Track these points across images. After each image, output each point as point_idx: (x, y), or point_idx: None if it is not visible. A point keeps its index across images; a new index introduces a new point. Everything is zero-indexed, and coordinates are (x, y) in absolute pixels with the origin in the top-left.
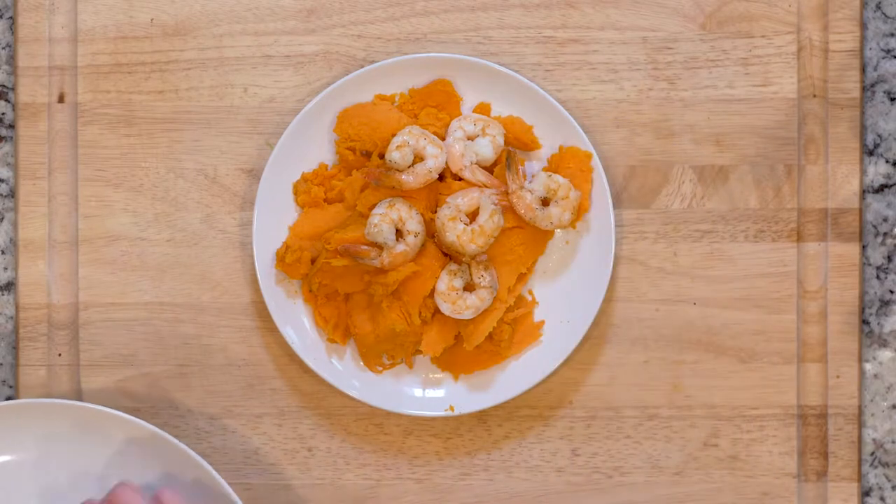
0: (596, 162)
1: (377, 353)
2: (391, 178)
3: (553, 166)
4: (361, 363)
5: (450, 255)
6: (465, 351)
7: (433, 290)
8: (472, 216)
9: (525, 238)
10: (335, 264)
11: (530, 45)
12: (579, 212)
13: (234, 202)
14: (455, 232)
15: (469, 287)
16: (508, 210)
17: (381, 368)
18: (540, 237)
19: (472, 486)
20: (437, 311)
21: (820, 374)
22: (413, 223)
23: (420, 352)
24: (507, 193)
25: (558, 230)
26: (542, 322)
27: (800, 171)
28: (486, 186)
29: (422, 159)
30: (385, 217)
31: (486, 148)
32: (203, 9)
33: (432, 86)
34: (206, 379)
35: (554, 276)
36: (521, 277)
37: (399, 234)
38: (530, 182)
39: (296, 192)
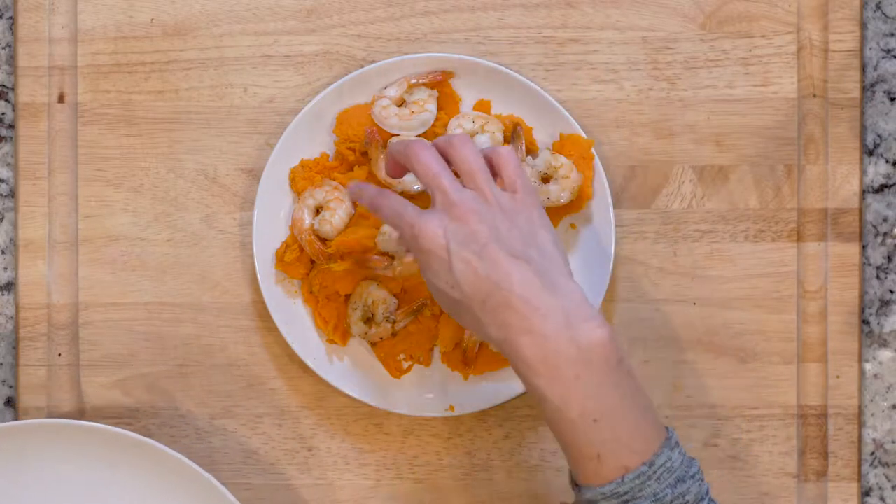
0: (596, 163)
1: (395, 354)
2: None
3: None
4: (361, 363)
5: None
6: (476, 351)
7: None
8: None
9: None
10: (336, 269)
11: (530, 45)
12: (581, 198)
13: (234, 202)
14: None
15: None
16: None
17: (400, 373)
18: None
19: (472, 486)
20: None
21: (820, 374)
22: None
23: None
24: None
25: (560, 232)
26: None
27: (800, 171)
28: None
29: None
30: None
31: (486, 144)
32: (203, 9)
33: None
34: (206, 379)
35: None
36: None
37: None
38: (534, 158)
39: (293, 179)
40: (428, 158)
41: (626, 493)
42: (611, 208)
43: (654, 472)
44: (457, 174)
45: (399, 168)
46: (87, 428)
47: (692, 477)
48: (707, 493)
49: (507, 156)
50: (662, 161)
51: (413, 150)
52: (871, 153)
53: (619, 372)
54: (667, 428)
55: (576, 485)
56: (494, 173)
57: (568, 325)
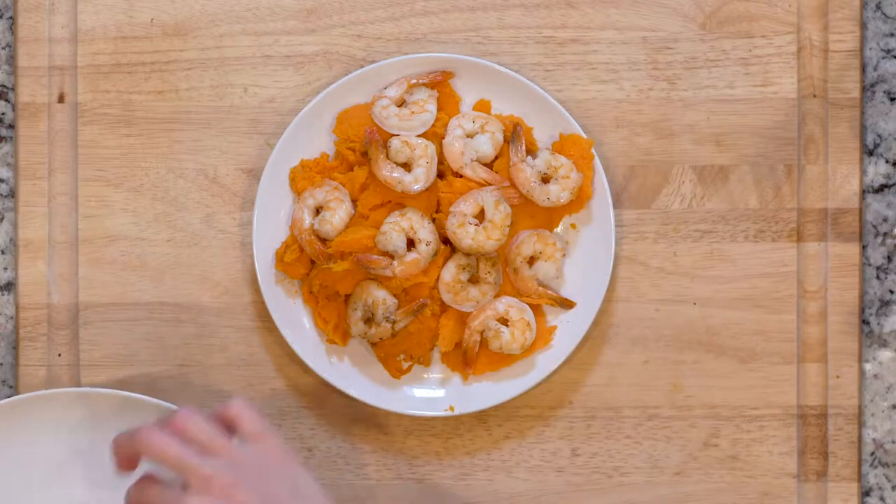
0: (596, 162)
1: (395, 354)
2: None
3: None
4: (361, 363)
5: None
6: (476, 351)
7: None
8: (480, 217)
9: (536, 223)
10: (336, 269)
11: (530, 45)
12: (581, 198)
13: (234, 202)
14: (469, 235)
15: (473, 279)
16: (515, 207)
17: (400, 373)
18: (546, 218)
19: (472, 486)
20: (443, 303)
21: (820, 374)
22: (425, 232)
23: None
24: (506, 188)
25: (560, 233)
26: (555, 327)
27: (800, 171)
28: (488, 183)
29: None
30: (395, 225)
31: (486, 144)
32: (203, 9)
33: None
34: (206, 379)
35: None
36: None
37: (411, 242)
38: (534, 158)
39: (293, 179)
40: (161, 442)
41: None
42: (611, 208)
43: None
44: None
45: (131, 460)
46: (100, 395)
47: None
48: None
49: (238, 407)
50: (662, 161)
51: (142, 438)
52: (871, 153)
53: None
54: None
55: None
56: (231, 426)
57: None
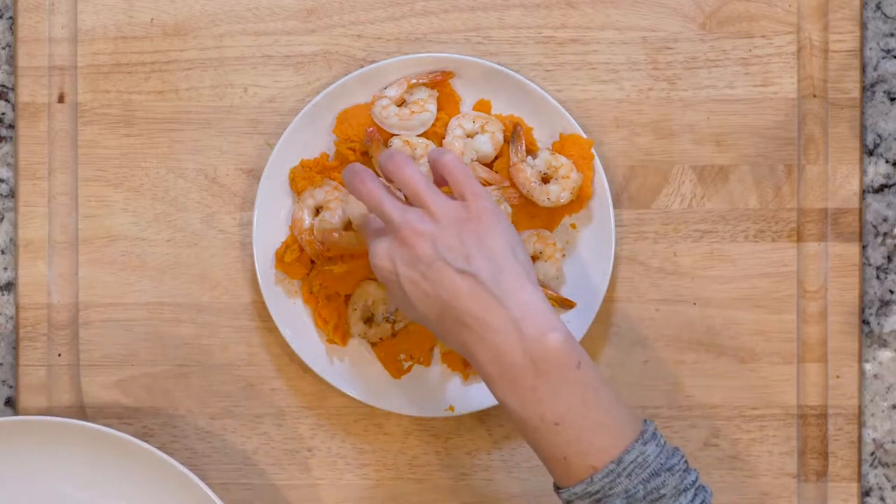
0: (596, 162)
1: (395, 354)
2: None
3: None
4: (361, 363)
5: None
6: None
7: None
8: None
9: (536, 223)
10: (336, 271)
11: (530, 45)
12: (581, 198)
13: (234, 202)
14: None
15: None
16: (515, 207)
17: (400, 373)
18: (546, 218)
19: (472, 486)
20: None
21: (820, 374)
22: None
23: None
24: (506, 188)
25: (560, 233)
26: None
27: (800, 171)
28: (488, 183)
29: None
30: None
31: (486, 144)
32: (203, 9)
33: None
34: (206, 379)
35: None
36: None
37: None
38: (534, 158)
39: (293, 179)
40: (370, 186)
41: (597, 491)
42: (611, 208)
43: (624, 469)
44: None
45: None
46: (70, 426)
47: (669, 469)
48: (693, 483)
49: (451, 163)
50: (662, 161)
51: (356, 180)
52: (871, 153)
53: (577, 375)
54: (645, 421)
55: (556, 488)
56: (443, 182)
57: (520, 336)
